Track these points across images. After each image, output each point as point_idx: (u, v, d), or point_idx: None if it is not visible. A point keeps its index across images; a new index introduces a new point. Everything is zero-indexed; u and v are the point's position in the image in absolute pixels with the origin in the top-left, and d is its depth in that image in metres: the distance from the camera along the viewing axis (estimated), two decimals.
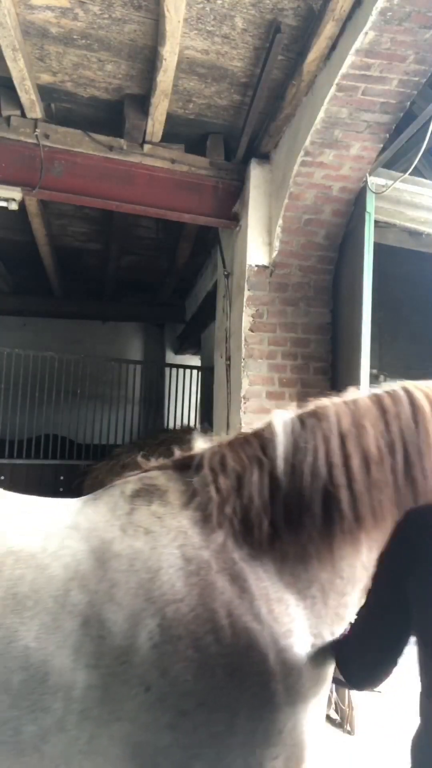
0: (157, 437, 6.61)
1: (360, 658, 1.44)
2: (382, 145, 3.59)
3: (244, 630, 1.41)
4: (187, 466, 1.71)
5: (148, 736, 1.34)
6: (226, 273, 4.68)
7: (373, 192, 3.75)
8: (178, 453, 1.82)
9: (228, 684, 1.37)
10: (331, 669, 1.54)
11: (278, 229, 4.04)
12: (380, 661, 1.38)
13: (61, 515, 1.66)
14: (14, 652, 1.33)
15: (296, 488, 1.56)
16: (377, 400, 1.62)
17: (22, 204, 4.13)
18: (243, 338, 4.10)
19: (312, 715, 1.47)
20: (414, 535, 1.28)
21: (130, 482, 1.72)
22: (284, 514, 1.56)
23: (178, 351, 9.28)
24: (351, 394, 1.70)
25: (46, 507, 1.72)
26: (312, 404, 1.69)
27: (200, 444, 1.77)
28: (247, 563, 1.51)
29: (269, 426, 1.68)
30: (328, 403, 1.67)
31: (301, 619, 1.50)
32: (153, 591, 1.42)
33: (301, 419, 1.65)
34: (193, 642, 1.37)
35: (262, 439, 1.67)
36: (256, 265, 4.16)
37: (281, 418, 1.68)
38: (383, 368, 5.29)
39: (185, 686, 1.35)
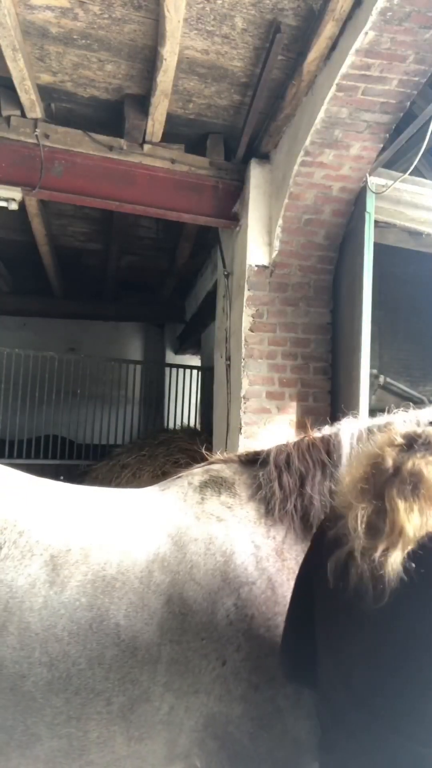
0: (157, 437, 6.61)
1: None
2: (382, 145, 3.59)
3: None
4: (253, 462, 1.81)
5: (221, 707, 1.45)
6: (226, 273, 4.68)
7: (373, 192, 3.75)
8: (243, 449, 1.90)
9: None
10: None
11: (278, 229, 4.04)
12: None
13: (133, 504, 1.75)
14: (107, 629, 1.44)
15: None
16: None
17: (22, 204, 4.13)
18: (243, 338, 4.10)
19: None
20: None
21: (197, 474, 1.83)
22: None
23: (178, 351, 9.27)
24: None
25: (114, 497, 1.81)
26: (386, 418, 1.75)
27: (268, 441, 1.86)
28: None
29: (337, 433, 1.75)
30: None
31: None
32: (228, 573, 1.55)
33: (371, 431, 1.69)
34: (264, 621, 1.50)
35: (328, 444, 1.75)
36: (256, 265, 4.16)
37: (350, 426, 1.75)
38: (383, 368, 5.30)
39: (257, 661, 1.47)
